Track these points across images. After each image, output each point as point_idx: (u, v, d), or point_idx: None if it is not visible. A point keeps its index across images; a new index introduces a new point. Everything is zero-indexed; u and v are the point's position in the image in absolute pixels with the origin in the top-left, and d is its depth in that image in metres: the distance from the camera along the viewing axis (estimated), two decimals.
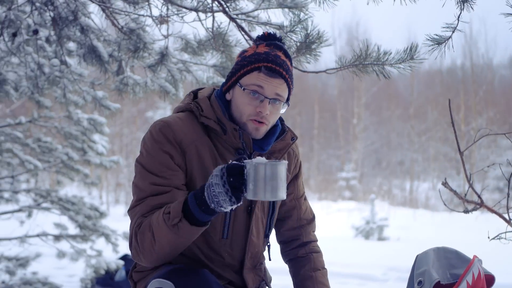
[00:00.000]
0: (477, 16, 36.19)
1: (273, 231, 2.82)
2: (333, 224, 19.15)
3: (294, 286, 2.81)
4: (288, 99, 2.52)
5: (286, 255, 2.87)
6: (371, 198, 17.25)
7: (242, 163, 2.13)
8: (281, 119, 2.64)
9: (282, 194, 2.12)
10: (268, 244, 2.70)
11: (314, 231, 2.91)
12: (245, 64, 2.45)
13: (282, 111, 2.53)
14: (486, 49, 40.55)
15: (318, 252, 2.84)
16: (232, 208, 2.15)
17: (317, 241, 2.89)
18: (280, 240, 2.89)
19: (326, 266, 2.82)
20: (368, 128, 35.10)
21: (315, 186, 30.94)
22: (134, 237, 2.34)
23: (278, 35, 2.58)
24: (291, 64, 2.55)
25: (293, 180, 2.78)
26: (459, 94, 31.92)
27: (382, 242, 16.08)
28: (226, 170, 2.11)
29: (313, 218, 2.90)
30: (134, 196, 2.41)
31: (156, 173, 2.37)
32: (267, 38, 2.55)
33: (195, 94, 2.60)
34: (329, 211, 23.09)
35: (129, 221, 2.43)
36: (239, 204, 2.14)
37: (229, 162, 2.15)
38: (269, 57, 2.43)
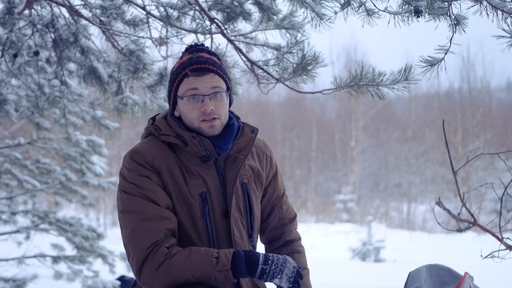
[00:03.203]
0: (475, 40, 36.44)
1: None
2: (330, 246, 19.14)
3: None
4: (228, 88, 2.60)
5: None
6: (368, 220, 17.27)
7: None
8: (236, 117, 2.71)
9: None
10: (253, 244, 2.73)
11: (296, 229, 2.94)
12: (175, 77, 2.57)
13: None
14: (483, 72, 40.78)
15: (301, 252, 2.88)
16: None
17: (300, 239, 2.94)
18: (263, 241, 2.93)
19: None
20: (365, 150, 35.13)
21: (313, 209, 30.85)
22: (156, 265, 2.38)
23: (200, 43, 2.68)
24: (219, 59, 2.65)
25: (272, 181, 2.82)
26: (456, 116, 32.00)
27: (378, 263, 16.07)
28: (297, 273, 2.43)
29: (294, 217, 2.94)
30: (131, 222, 2.45)
31: (143, 198, 2.45)
32: (190, 48, 2.66)
33: (153, 119, 2.69)
34: (326, 233, 23.06)
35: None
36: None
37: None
38: (192, 60, 2.55)
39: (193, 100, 2.51)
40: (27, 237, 8.51)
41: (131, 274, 9.09)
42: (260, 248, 2.81)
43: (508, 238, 3.36)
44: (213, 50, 4.57)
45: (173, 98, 2.60)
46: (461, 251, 17.33)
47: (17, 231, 8.18)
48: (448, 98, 34.44)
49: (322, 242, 19.65)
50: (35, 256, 8.06)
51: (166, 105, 5.18)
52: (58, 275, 8.10)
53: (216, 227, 2.56)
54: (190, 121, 2.54)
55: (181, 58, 2.64)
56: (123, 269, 9.50)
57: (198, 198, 2.52)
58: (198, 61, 2.53)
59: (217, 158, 2.57)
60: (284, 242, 2.86)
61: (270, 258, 2.40)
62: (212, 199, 2.55)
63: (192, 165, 2.55)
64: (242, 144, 2.63)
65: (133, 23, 4.72)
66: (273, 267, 2.38)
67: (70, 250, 8.39)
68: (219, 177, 2.58)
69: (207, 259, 2.36)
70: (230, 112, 2.68)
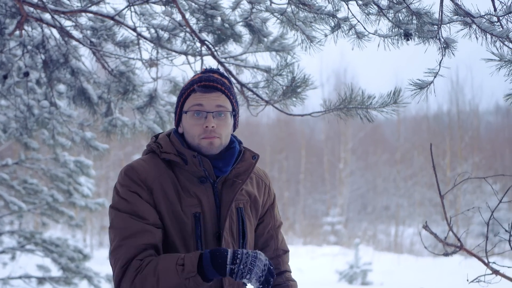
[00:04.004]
0: (464, 63, 36.71)
1: None
2: (318, 268, 19.07)
3: None
4: (234, 110, 2.61)
5: None
6: (355, 242, 17.25)
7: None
8: (239, 141, 2.70)
9: None
10: None
11: (288, 262, 2.92)
12: (183, 93, 2.58)
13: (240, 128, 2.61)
14: (472, 95, 41.04)
15: (294, 281, 2.86)
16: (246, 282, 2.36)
17: (291, 272, 2.91)
18: None
19: None
20: (354, 173, 35.16)
21: (300, 231, 30.78)
22: (130, 279, 2.36)
23: (216, 67, 2.70)
24: (229, 81, 2.65)
25: (269, 210, 2.81)
26: (445, 139, 32.14)
27: (366, 286, 16.03)
28: (268, 272, 2.35)
29: (287, 251, 2.92)
30: (116, 238, 2.45)
31: (131, 213, 2.44)
32: (204, 70, 2.68)
33: (156, 136, 2.69)
34: (314, 256, 23.00)
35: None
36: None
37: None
38: (202, 78, 2.57)
39: (197, 116, 2.51)
40: (13, 258, 8.43)
41: None
42: None
43: (494, 262, 3.35)
44: None
45: (178, 113, 2.60)
46: (448, 275, 17.32)
47: (2, 252, 8.11)
48: (437, 121, 34.63)
49: (309, 264, 19.58)
50: (20, 277, 7.99)
51: (156, 127, 5.17)
52: None
53: (206, 248, 2.53)
54: (191, 138, 2.53)
55: (193, 76, 2.65)
56: None
57: (191, 218, 2.50)
58: (207, 79, 2.54)
59: (215, 180, 2.55)
60: (280, 272, 2.84)
61: (238, 256, 2.33)
62: (205, 220, 2.53)
63: (189, 184, 2.53)
64: (241, 169, 2.61)
65: (124, 45, 4.73)
66: (242, 266, 2.31)
67: (55, 271, 8.32)
68: (215, 199, 2.56)
69: (173, 268, 2.33)
70: (233, 136, 2.67)
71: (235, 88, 3.56)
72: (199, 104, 2.51)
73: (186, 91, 2.56)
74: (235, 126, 2.66)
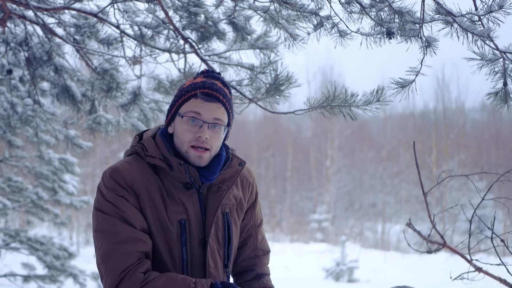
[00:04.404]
0: (450, 61, 36.84)
1: None
2: (304, 265, 19.12)
3: None
4: (229, 124, 2.56)
5: (241, 286, 2.86)
6: (341, 240, 17.30)
7: None
8: (226, 147, 2.67)
9: None
10: (228, 274, 2.69)
11: (267, 264, 2.90)
12: (183, 94, 2.51)
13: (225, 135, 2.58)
14: (458, 93, 41.24)
15: (272, 287, 2.84)
16: None
17: (270, 275, 2.88)
18: (234, 272, 2.87)
19: None
20: (341, 170, 35.23)
21: (287, 228, 30.84)
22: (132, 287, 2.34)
23: (215, 68, 2.65)
24: (230, 92, 2.60)
25: (250, 208, 2.78)
26: (431, 137, 32.30)
27: (352, 284, 16.08)
28: None
29: (268, 251, 2.89)
30: (105, 243, 2.41)
31: (119, 218, 2.40)
32: (205, 72, 2.62)
33: (140, 136, 2.63)
34: (301, 253, 23.05)
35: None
36: None
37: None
38: (206, 84, 2.50)
39: (192, 122, 2.45)
40: None
41: None
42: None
43: (477, 260, 3.38)
44: (186, 69, 4.57)
45: (173, 113, 2.54)
46: (434, 272, 17.42)
47: None
48: (423, 118, 34.77)
49: (296, 262, 19.63)
50: (5, 275, 7.95)
51: (140, 125, 5.16)
52: None
53: (192, 256, 2.52)
54: (181, 142, 2.48)
55: (194, 78, 2.58)
56: None
57: (177, 224, 2.47)
58: (211, 88, 2.48)
59: (201, 186, 2.52)
60: (256, 275, 2.82)
61: None
62: (191, 227, 2.50)
63: (174, 190, 2.49)
64: (227, 175, 2.59)
65: (107, 42, 4.72)
66: None
67: (41, 269, 8.29)
68: (201, 205, 2.53)
69: None
70: (223, 144, 2.63)
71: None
72: (197, 112, 2.45)
73: (186, 94, 2.50)
74: (225, 138, 2.62)
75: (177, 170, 2.46)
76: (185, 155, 2.48)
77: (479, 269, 3.43)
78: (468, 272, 3.42)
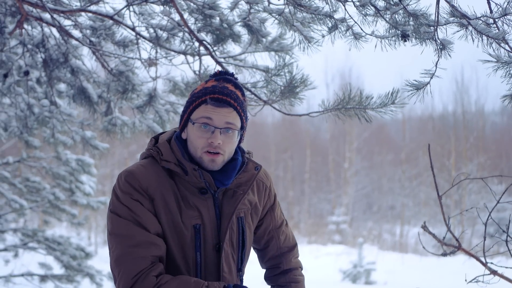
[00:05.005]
0: (469, 63, 36.59)
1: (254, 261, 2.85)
2: (321, 267, 19.08)
3: None
4: (242, 127, 2.53)
5: (269, 280, 2.89)
6: (359, 242, 17.25)
7: None
8: (242, 151, 2.65)
9: None
10: (241, 278, 2.69)
11: (296, 257, 2.90)
12: (194, 100, 2.49)
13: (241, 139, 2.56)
14: (477, 96, 40.92)
15: (299, 282, 2.84)
16: None
17: (300, 268, 2.89)
18: (263, 267, 2.91)
19: None
20: (359, 172, 35.14)
21: (305, 230, 30.79)
22: None
23: (230, 71, 2.62)
24: (243, 94, 2.57)
25: (269, 211, 2.78)
26: (450, 140, 32.11)
27: (369, 286, 16.04)
28: None
29: (294, 245, 2.89)
30: (119, 246, 2.41)
31: (133, 222, 2.40)
32: (217, 75, 2.58)
33: (156, 139, 2.62)
34: (318, 255, 23.01)
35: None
36: None
37: None
38: (216, 89, 2.46)
39: (204, 128, 2.43)
40: (15, 255, 8.47)
41: None
42: (254, 276, 2.79)
43: (492, 263, 3.35)
44: (201, 71, 4.59)
45: (185, 119, 2.52)
46: (451, 274, 17.28)
47: (5, 249, 8.14)
48: (442, 121, 34.58)
49: (313, 263, 19.59)
50: (22, 275, 8.02)
51: (155, 126, 5.18)
52: None
53: (206, 260, 2.52)
54: (194, 148, 2.47)
55: (206, 82, 2.55)
56: None
57: (191, 229, 2.47)
58: (221, 92, 2.44)
59: (216, 191, 2.51)
60: (282, 271, 2.83)
61: None
62: (205, 232, 2.50)
63: (189, 195, 2.48)
64: (243, 179, 2.57)
65: (123, 44, 4.75)
66: None
67: (58, 269, 8.35)
68: (216, 210, 2.52)
69: None
70: (238, 146, 2.61)
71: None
72: (209, 117, 2.43)
73: (197, 100, 2.47)
74: (241, 140, 2.60)
75: (192, 175, 2.45)
76: (199, 160, 2.46)
77: (494, 272, 3.40)
78: (483, 275, 3.39)
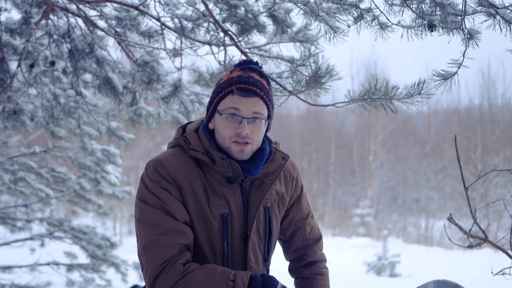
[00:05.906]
0: (495, 56, 36.18)
1: (279, 252, 2.84)
2: (346, 260, 19.05)
3: None
4: (269, 116, 2.53)
5: (293, 273, 2.90)
6: (383, 234, 17.18)
7: None
8: (269, 141, 2.65)
9: None
10: (267, 268, 2.70)
11: (321, 250, 2.90)
12: (220, 91, 2.48)
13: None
14: (504, 89, 40.45)
15: (323, 274, 2.84)
16: None
17: (324, 261, 2.89)
18: (287, 259, 2.91)
19: None
20: (384, 165, 34.96)
21: (330, 222, 30.72)
22: (171, 282, 2.34)
23: (254, 60, 2.61)
24: (268, 83, 2.57)
25: (296, 202, 2.78)
26: (476, 133, 31.81)
27: (394, 278, 15.97)
28: None
29: (319, 238, 2.89)
30: (147, 233, 2.41)
31: (161, 209, 2.41)
32: (242, 64, 2.58)
33: (183, 128, 2.63)
34: (343, 247, 22.96)
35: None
36: None
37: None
38: (241, 79, 2.46)
39: (231, 118, 2.43)
40: (42, 245, 8.56)
41: (143, 284, 9.09)
42: (280, 266, 2.79)
43: None
44: (226, 62, 4.58)
45: (212, 110, 2.52)
46: (477, 268, 17.17)
47: (31, 238, 8.23)
48: (468, 114, 34.25)
49: (337, 256, 19.56)
50: (48, 264, 8.10)
51: (180, 117, 5.19)
52: (70, 283, 8.15)
53: (233, 250, 2.53)
54: (222, 139, 2.47)
55: (231, 72, 2.55)
56: (136, 278, 9.52)
57: (219, 218, 2.48)
58: (247, 82, 2.45)
59: (243, 180, 2.52)
60: (307, 263, 2.83)
61: None
62: (233, 222, 2.51)
63: (217, 184, 2.49)
64: (270, 169, 2.58)
65: (148, 34, 4.75)
66: None
67: (83, 259, 8.43)
68: (243, 200, 2.53)
69: (223, 281, 2.32)
70: (265, 136, 2.62)
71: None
72: (236, 108, 2.43)
73: (223, 91, 2.47)
74: (268, 129, 2.60)
75: (220, 165, 2.46)
76: (227, 150, 2.47)
77: None
78: (510, 268, 3.35)
